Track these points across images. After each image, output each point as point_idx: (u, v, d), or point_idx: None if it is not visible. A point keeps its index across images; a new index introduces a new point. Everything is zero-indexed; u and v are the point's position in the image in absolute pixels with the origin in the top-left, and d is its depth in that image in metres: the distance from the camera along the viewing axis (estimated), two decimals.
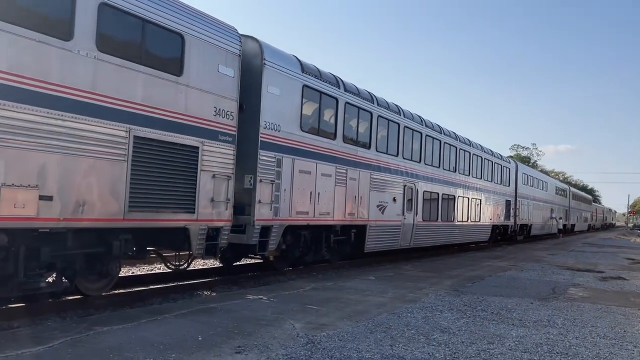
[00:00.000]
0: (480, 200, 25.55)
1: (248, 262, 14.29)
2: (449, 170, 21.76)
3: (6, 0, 6.74)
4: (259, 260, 13.82)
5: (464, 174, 23.43)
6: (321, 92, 13.44)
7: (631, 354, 6.93)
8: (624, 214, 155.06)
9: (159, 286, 10.77)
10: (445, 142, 21.38)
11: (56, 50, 7.23)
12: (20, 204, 6.81)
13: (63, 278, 8.18)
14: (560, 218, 46.15)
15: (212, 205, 9.86)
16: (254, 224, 11.16)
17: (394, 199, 17.05)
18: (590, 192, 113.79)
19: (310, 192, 12.92)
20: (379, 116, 16.17)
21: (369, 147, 15.69)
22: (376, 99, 16.18)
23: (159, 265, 13.31)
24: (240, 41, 10.63)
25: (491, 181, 27.39)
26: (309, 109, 13.31)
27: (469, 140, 24.48)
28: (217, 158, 9.99)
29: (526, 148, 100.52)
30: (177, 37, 9.15)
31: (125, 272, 12.15)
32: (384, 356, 6.32)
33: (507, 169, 30.74)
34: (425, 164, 19.59)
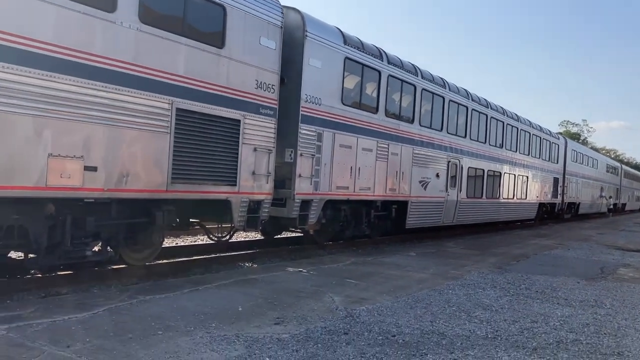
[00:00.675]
0: (527, 177, 24.88)
1: (289, 235, 14.37)
2: (495, 146, 21.21)
3: None
4: (299, 234, 13.86)
5: (511, 150, 22.81)
6: (363, 65, 13.21)
7: None
8: None
9: (201, 257, 10.95)
10: (492, 117, 20.80)
11: (100, 22, 7.28)
12: (66, 174, 6.96)
13: (108, 247, 8.37)
14: (610, 197, 44.62)
15: (253, 178, 9.90)
16: (294, 197, 11.17)
17: (437, 175, 16.76)
18: None
19: (351, 167, 12.81)
20: (423, 89, 15.81)
21: (412, 122, 15.40)
22: (420, 72, 15.81)
23: (202, 237, 13.53)
24: (282, 12, 10.50)
25: (539, 158, 26.60)
26: (351, 82, 13.11)
27: (516, 115, 23.76)
28: (258, 131, 9.98)
29: (576, 124, 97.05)
30: (218, 8, 9.09)
31: (169, 242, 12.40)
32: (424, 332, 6.23)
33: (556, 146, 29.77)
34: (471, 139, 19.13)
